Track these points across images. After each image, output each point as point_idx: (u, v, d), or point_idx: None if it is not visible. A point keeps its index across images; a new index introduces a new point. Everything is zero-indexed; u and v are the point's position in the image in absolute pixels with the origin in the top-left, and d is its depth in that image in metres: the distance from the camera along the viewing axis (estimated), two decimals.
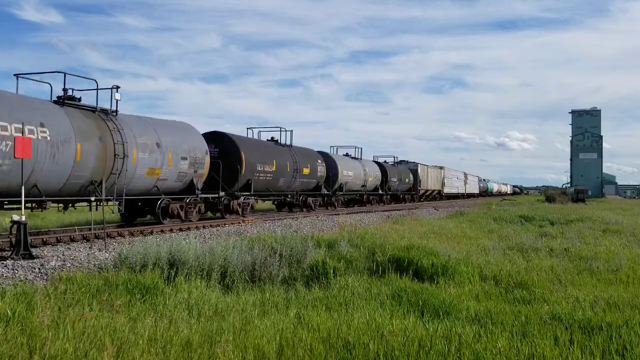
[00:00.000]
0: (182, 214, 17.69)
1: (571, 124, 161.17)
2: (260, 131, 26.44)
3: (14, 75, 13.59)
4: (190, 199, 18.14)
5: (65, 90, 14.14)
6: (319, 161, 29.04)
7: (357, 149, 37.33)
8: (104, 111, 14.95)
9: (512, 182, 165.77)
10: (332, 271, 9.39)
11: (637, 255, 13.05)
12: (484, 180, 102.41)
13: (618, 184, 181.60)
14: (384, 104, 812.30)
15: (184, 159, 17.43)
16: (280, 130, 26.61)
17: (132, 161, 15.09)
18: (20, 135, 11.62)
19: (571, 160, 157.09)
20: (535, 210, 33.34)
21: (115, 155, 14.45)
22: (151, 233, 15.50)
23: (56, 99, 13.92)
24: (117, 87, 15.17)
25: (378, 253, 10.87)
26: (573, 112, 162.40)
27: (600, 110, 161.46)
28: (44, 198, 12.76)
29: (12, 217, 10.95)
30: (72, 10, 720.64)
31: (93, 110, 14.68)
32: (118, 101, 15.21)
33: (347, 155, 36.31)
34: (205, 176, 18.76)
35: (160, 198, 16.83)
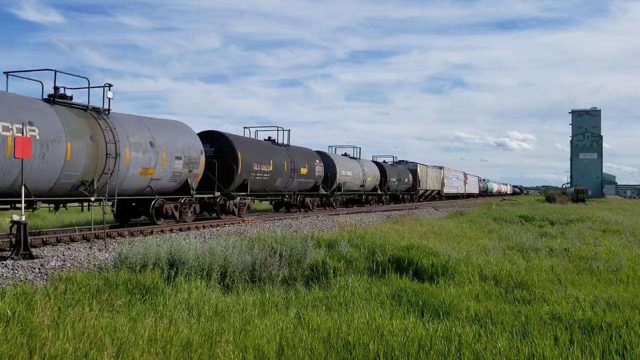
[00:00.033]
0: (176, 214, 17.48)
1: (571, 124, 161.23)
2: (257, 130, 26.24)
3: (4, 73, 13.36)
4: (185, 199, 17.90)
5: (56, 88, 13.91)
6: (317, 161, 28.82)
7: (355, 149, 37.20)
8: (96, 110, 14.73)
9: (512, 182, 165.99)
10: (332, 271, 9.39)
11: (637, 255, 13.05)
12: (484, 180, 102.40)
13: (618, 184, 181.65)
14: (384, 104, 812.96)
15: (179, 158, 17.20)
16: (278, 130, 26.39)
17: (124, 160, 14.87)
18: (9, 134, 11.50)
19: (571, 160, 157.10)
20: (535, 210, 33.34)
21: (107, 154, 14.23)
22: (151, 233, 15.49)
23: (47, 98, 13.69)
24: (110, 86, 14.95)
25: (378, 253, 10.87)
26: (573, 112, 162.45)
27: (600, 110, 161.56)
28: (33, 198, 12.54)
29: (12, 217, 10.95)
30: (72, 10, 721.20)
31: (85, 108, 14.45)
32: (110, 99, 14.99)
33: (345, 155, 36.11)
34: (200, 176, 18.53)
35: (154, 198, 16.60)
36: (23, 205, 11.15)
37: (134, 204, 17.09)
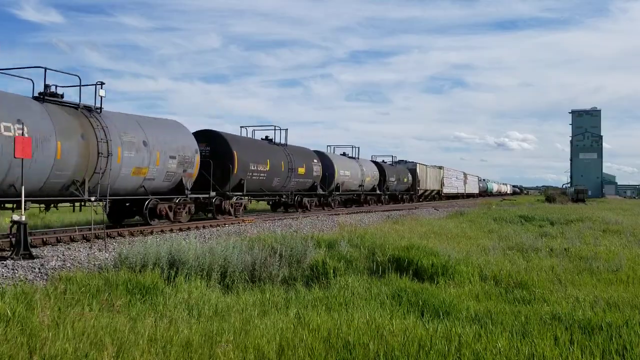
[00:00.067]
0: (170, 214, 17.22)
1: (571, 124, 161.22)
2: (254, 130, 25.94)
3: None
4: (180, 199, 17.65)
5: (47, 86, 13.64)
6: (315, 160, 28.61)
7: (354, 148, 36.94)
8: (88, 108, 14.47)
9: (512, 182, 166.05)
10: (332, 271, 9.39)
11: (637, 255, 13.05)
12: (484, 180, 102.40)
13: (618, 184, 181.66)
14: (384, 104, 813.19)
15: (173, 157, 16.94)
16: (275, 129, 26.12)
17: (116, 160, 14.62)
18: None
19: (571, 160, 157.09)
20: (535, 210, 33.33)
21: (98, 153, 13.98)
22: (151, 233, 15.48)
23: (36, 96, 13.45)
24: (102, 84, 14.66)
25: (378, 253, 10.87)
26: (573, 112, 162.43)
27: (600, 110, 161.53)
28: (22, 198, 12.05)
29: (12, 217, 10.95)
30: (72, 10, 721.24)
31: (76, 106, 14.17)
32: (102, 98, 14.70)
33: (344, 154, 35.88)
34: (195, 176, 18.28)
35: (148, 198, 16.34)
36: (23, 205, 11.15)
37: (127, 204, 16.87)
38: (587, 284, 9.51)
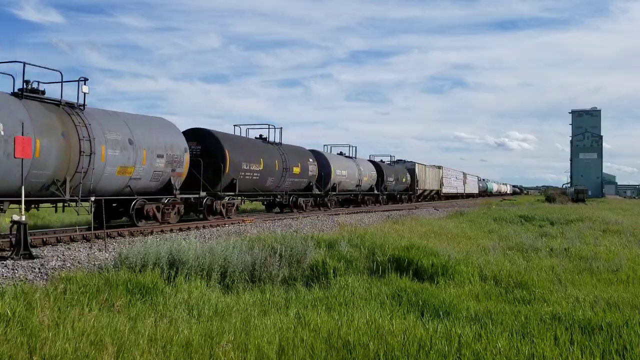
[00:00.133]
0: (158, 215, 16.68)
1: (571, 124, 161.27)
2: (248, 129, 25.28)
3: None
4: (168, 200, 17.10)
5: (26, 82, 13.17)
6: (311, 160, 28.08)
7: (351, 148, 36.42)
8: (70, 105, 13.94)
9: (512, 182, 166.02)
10: (332, 271, 9.39)
11: (637, 255, 13.05)
12: (484, 180, 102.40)
13: (618, 184, 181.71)
14: (384, 104, 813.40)
15: (160, 156, 16.36)
16: (269, 128, 25.58)
17: (100, 159, 14.10)
18: None
19: (571, 160, 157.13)
20: (535, 210, 33.34)
21: (80, 152, 13.45)
22: (151, 233, 15.46)
23: (15, 92, 12.96)
24: (85, 80, 14.27)
25: (378, 253, 10.87)
26: (573, 112, 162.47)
27: (600, 110, 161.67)
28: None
29: (12, 217, 10.95)
30: (72, 10, 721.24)
31: (57, 103, 13.65)
32: (86, 94, 14.29)
33: (341, 154, 35.38)
34: (184, 175, 17.69)
35: (134, 199, 15.85)
36: (23, 205, 11.15)
37: (114, 205, 16.29)
38: (587, 284, 9.51)
